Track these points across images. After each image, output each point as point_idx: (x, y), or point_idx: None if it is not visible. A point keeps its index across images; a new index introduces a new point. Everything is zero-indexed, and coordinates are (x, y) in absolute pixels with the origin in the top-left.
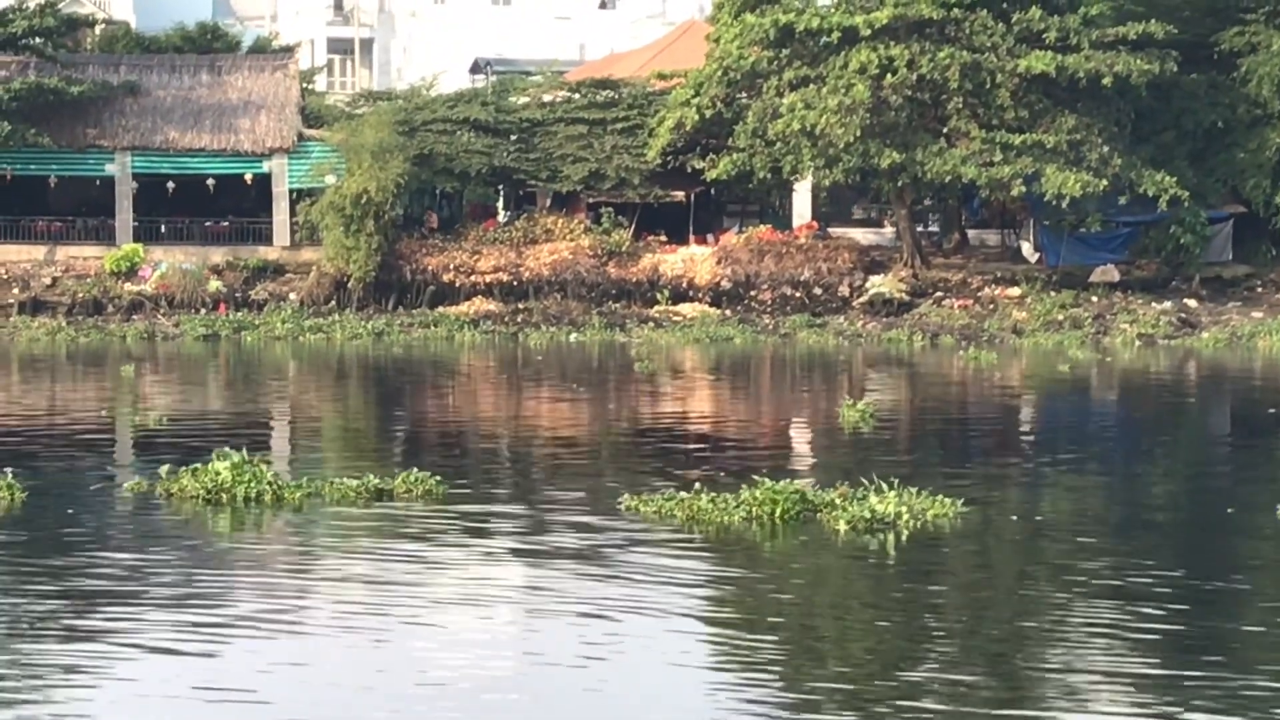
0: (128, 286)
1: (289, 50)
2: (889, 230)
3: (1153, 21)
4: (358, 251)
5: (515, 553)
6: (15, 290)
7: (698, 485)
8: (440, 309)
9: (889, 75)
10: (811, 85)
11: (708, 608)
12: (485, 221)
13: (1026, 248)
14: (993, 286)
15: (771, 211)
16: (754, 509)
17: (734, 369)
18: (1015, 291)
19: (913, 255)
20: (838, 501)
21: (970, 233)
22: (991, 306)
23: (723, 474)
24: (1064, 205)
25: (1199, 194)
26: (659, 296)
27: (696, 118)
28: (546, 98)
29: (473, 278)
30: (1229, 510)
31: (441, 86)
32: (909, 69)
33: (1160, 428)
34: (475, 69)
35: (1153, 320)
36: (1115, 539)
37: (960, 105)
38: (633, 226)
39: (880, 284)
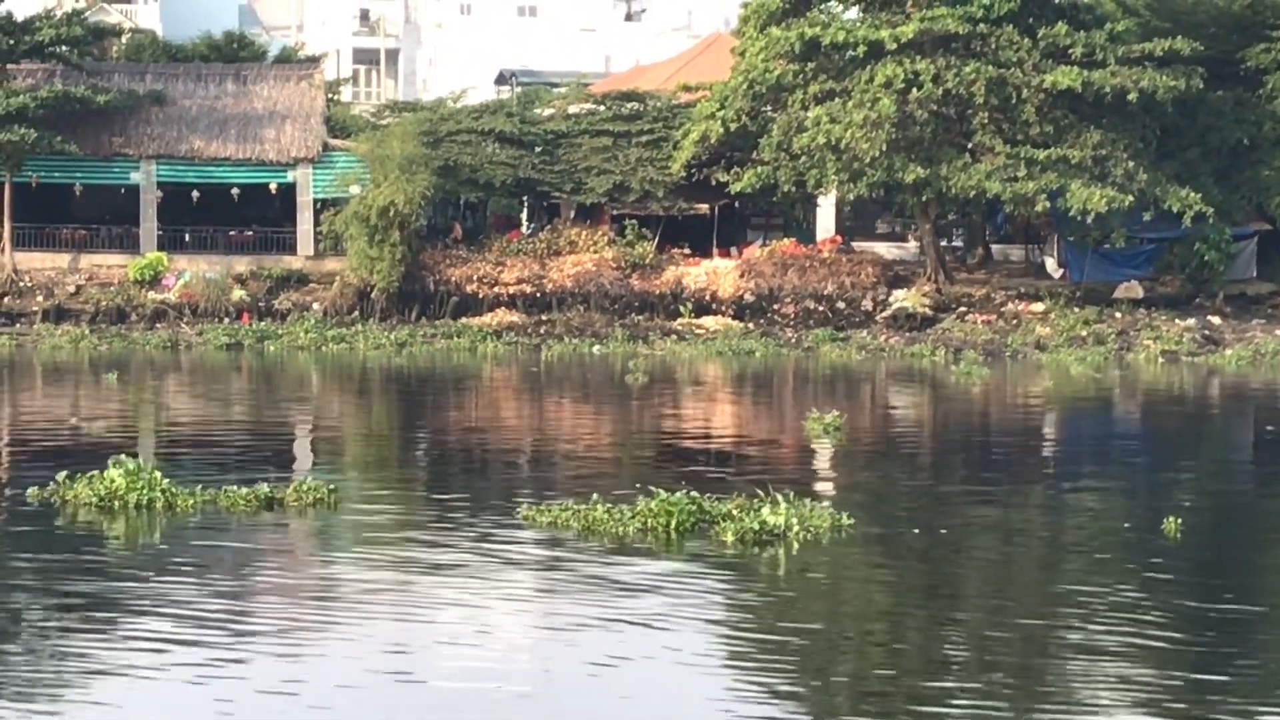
0: (151, 295)
1: (315, 60)
2: (913, 245)
3: (1179, 38)
4: (381, 262)
5: (383, 562)
6: (39, 298)
7: (595, 496)
8: (463, 320)
9: (914, 90)
10: (837, 99)
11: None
12: (509, 233)
13: (1050, 263)
14: (1016, 302)
15: (795, 225)
16: (649, 520)
17: (727, 382)
18: (1039, 307)
19: (936, 270)
20: (734, 513)
21: (994, 248)
22: (1015, 322)
23: (639, 485)
24: (1088, 221)
25: (1224, 211)
26: (682, 309)
27: (721, 130)
28: (571, 109)
29: (496, 289)
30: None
31: (468, 99)
32: (934, 83)
33: (1128, 449)
34: (501, 80)
35: (1176, 337)
36: (998, 560)
37: (985, 120)
38: (656, 239)
39: (904, 298)
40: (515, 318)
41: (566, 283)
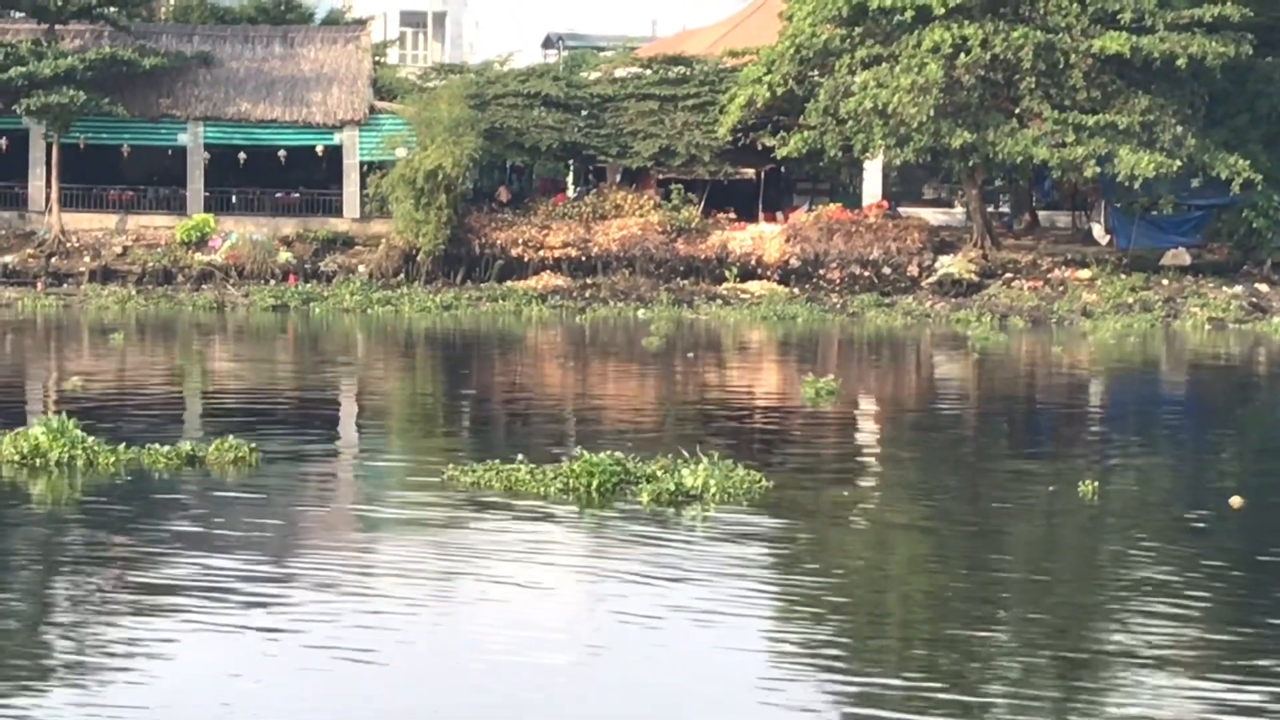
0: (198, 256)
1: (361, 23)
2: (959, 210)
3: (1228, 3)
4: (427, 225)
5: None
6: (86, 258)
7: (520, 456)
8: (508, 283)
9: (962, 54)
10: (884, 64)
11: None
12: (555, 196)
13: (1097, 230)
14: (1063, 268)
15: (842, 190)
16: (571, 480)
17: (746, 346)
18: (1085, 274)
19: (983, 236)
20: (659, 474)
21: (1041, 214)
22: (1061, 288)
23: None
24: (1136, 187)
25: (1272, 178)
26: (727, 274)
27: (768, 95)
28: (618, 73)
29: (541, 252)
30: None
31: (515, 63)
32: (982, 48)
33: (1093, 420)
34: (548, 44)
35: (1223, 304)
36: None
37: (1033, 85)
38: (702, 203)
39: (949, 264)
40: (560, 281)
41: (612, 247)
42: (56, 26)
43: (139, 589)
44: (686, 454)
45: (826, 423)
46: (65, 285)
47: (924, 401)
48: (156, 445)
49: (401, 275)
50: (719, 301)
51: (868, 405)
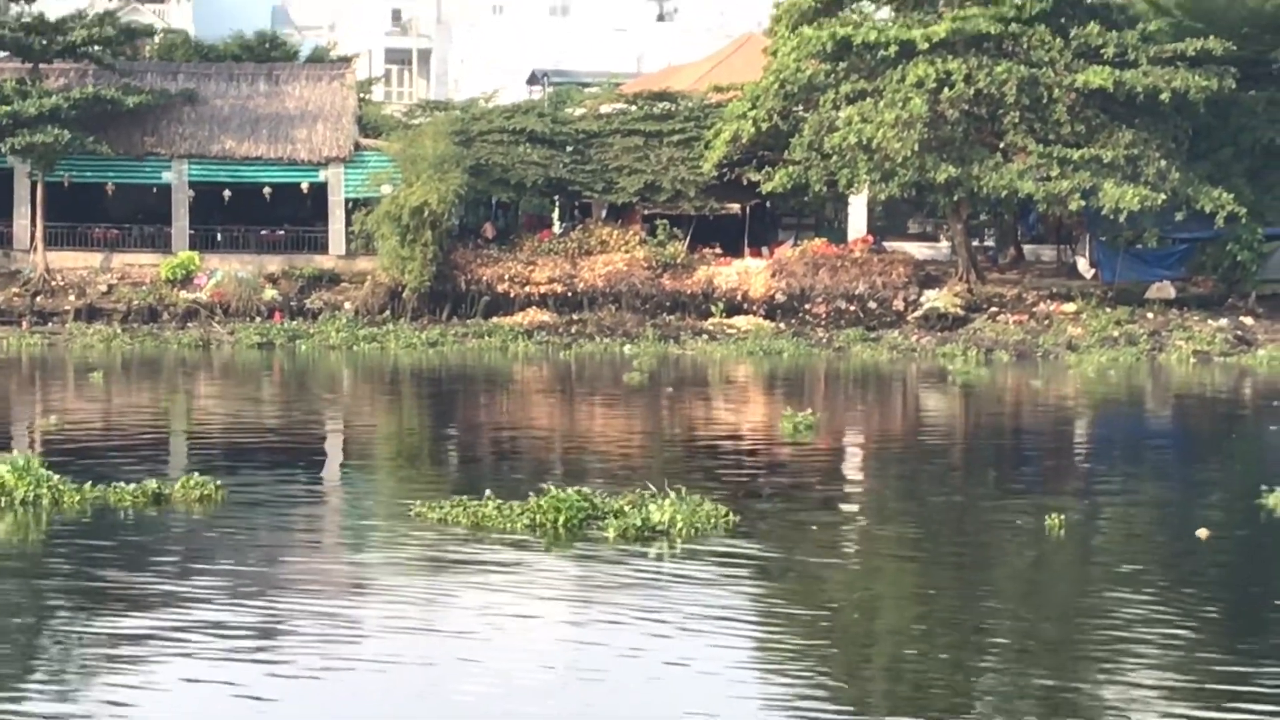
0: (183, 294)
1: (346, 60)
2: (944, 245)
3: (1211, 38)
4: (413, 261)
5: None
6: (72, 297)
7: (488, 493)
8: (494, 319)
9: (946, 89)
10: (868, 99)
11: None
12: (540, 232)
13: (1082, 264)
14: (1048, 302)
15: (827, 225)
16: (538, 516)
17: (727, 382)
18: (1070, 307)
19: (968, 270)
20: (626, 509)
21: (1026, 248)
22: (1047, 322)
23: (543, 482)
24: (1121, 221)
25: (1256, 211)
26: (713, 309)
27: (753, 130)
28: (603, 109)
29: (527, 288)
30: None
31: (500, 99)
32: (966, 83)
33: (1067, 453)
34: (533, 80)
35: (1208, 337)
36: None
37: (1017, 120)
38: (688, 239)
39: (935, 298)
40: (546, 317)
41: (598, 282)
42: (41, 65)
43: (99, 640)
44: (654, 489)
45: (803, 457)
46: (50, 324)
47: (901, 436)
48: (122, 484)
49: (387, 312)
50: (705, 337)
51: (846, 439)
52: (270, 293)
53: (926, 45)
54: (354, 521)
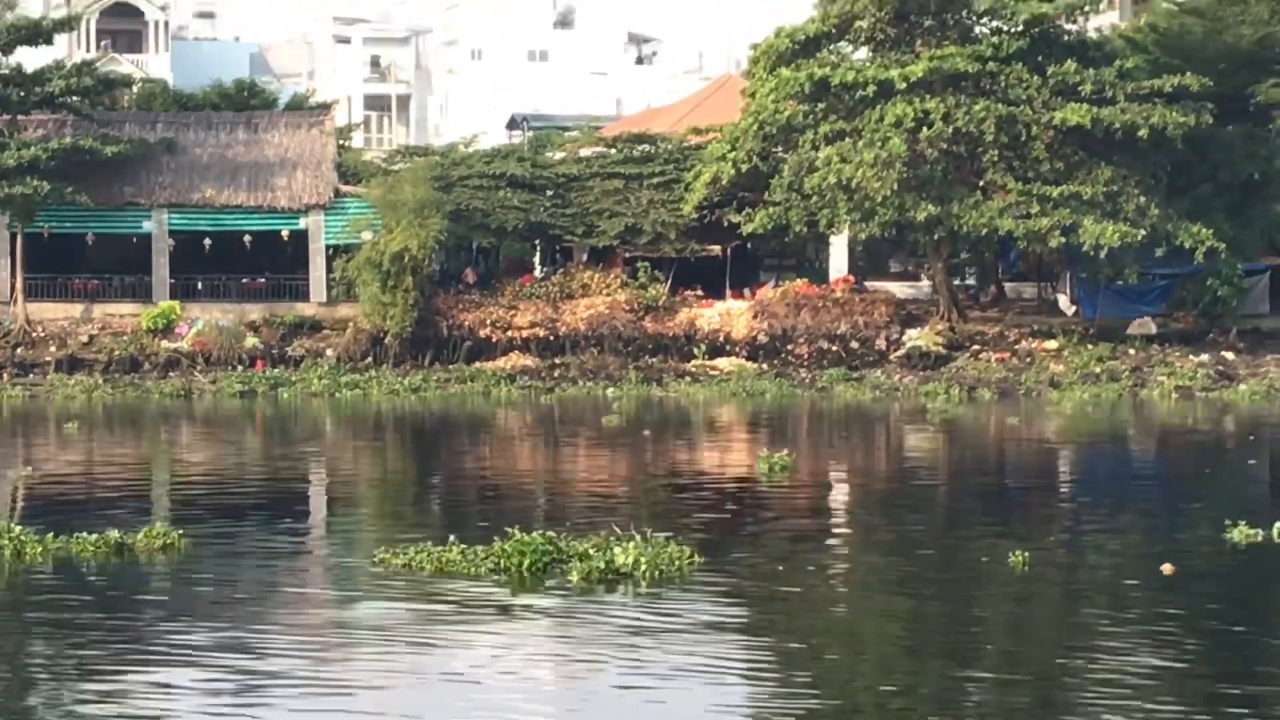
0: (164, 344)
1: (325, 107)
2: (925, 284)
3: (1188, 74)
4: (394, 307)
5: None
6: (52, 348)
7: (452, 538)
8: (477, 364)
9: (925, 128)
10: (847, 139)
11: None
12: (522, 277)
13: (1063, 301)
14: (1030, 339)
15: (808, 265)
16: (503, 560)
17: (710, 423)
18: (1052, 344)
19: (949, 308)
20: (591, 552)
21: (1007, 286)
22: (1029, 359)
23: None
24: (1101, 257)
25: (1236, 246)
26: (695, 351)
27: (732, 172)
28: (583, 153)
29: (509, 333)
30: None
31: (479, 144)
32: (945, 122)
33: (1040, 490)
34: (512, 125)
35: (1190, 373)
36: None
37: (996, 158)
38: (669, 281)
39: (917, 337)
40: (529, 361)
41: (580, 326)
42: (19, 117)
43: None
44: (619, 532)
45: (776, 497)
46: (31, 375)
47: (876, 474)
48: (84, 534)
49: (369, 358)
50: (688, 379)
51: (820, 479)
52: (252, 341)
53: (904, 85)
54: (316, 569)
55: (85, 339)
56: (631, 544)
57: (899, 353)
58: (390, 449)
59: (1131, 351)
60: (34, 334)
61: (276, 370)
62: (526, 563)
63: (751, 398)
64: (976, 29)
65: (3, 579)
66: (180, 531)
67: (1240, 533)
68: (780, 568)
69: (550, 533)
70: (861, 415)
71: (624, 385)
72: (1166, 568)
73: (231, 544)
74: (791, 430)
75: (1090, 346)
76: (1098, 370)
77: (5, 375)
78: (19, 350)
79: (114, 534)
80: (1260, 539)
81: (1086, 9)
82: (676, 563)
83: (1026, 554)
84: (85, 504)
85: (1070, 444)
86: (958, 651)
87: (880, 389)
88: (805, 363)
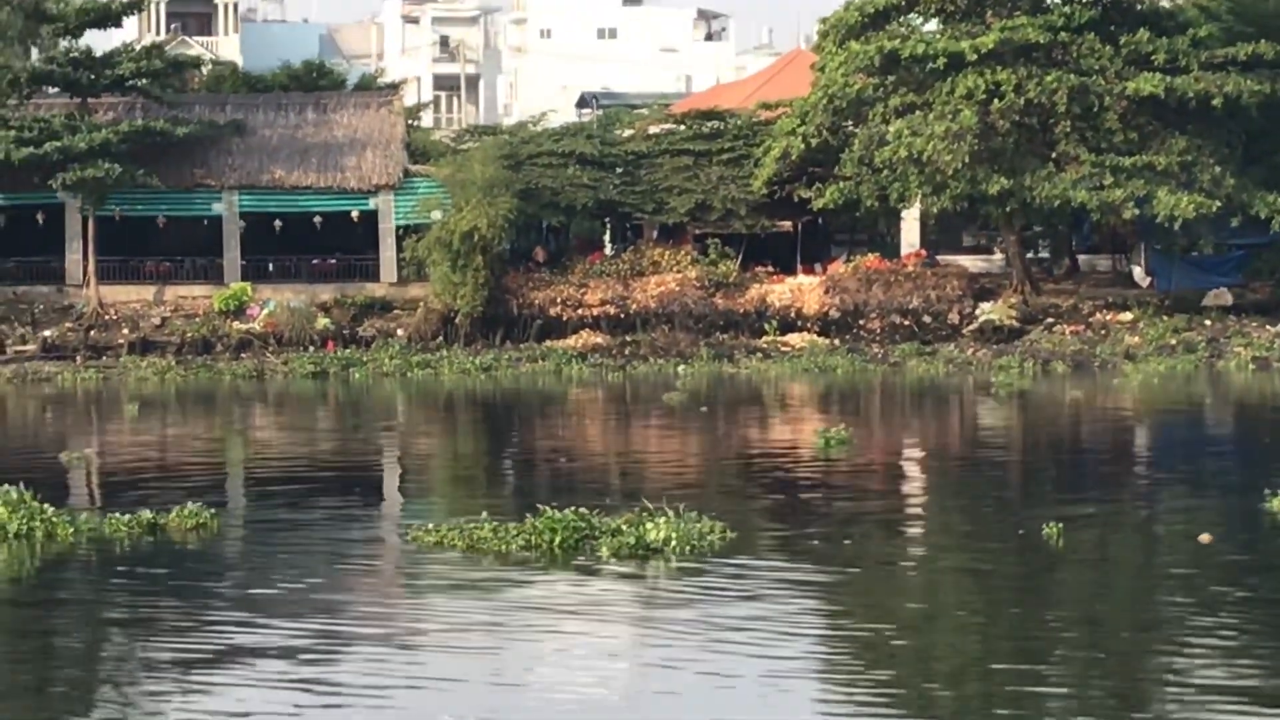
0: (236, 325)
1: (394, 87)
2: (998, 257)
3: (1263, 42)
4: (465, 287)
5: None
6: (125, 330)
7: (484, 514)
8: (548, 343)
9: (996, 100)
10: (918, 112)
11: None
12: (592, 254)
13: (1138, 272)
14: (1104, 312)
15: (879, 240)
16: (533, 537)
17: (772, 398)
18: (1127, 316)
19: (1022, 281)
20: (624, 528)
21: (1080, 258)
22: (1103, 332)
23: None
24: (1175, 228)
25: None
26: (766, 327)
27: (802, 146)
28: (652, 130)
29: (580, 311)
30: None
31: (548, 123)
32: (1016, 93)
33: (1102, 463)
34: (582, 104)
35: (1267, 343)
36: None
37: (1069, 129)
38: (740, 257)
39: (990, 311)
40: (600, 339)
41: (650, 303)
42: (89, 99)
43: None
44: (652, 506)
45: (829, 471)
46: (104, 358)
47: (932, 449)
48: (117, 515)
49: (440, 338)
50: (759, 355)
51: (876, 454)
52: (323, 321)
53: (975, 56)
54: (342, 546)
55: (158, 321)
56: (663, 520)
57: (972, 327)
58: (437, 426)
59: (1208, 323)
60: (107, 317)
61: (348, 351)
62: (557, 539)
63: (823, 373)
64: None
65: (34, 560)
66: (213, 511)
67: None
68: (816, 542)
69: (582, 509)
70: (927, 390)
71: (695, 362)
72: (1205, 537)
73: (275, 522)
74: (855, 405)
75: (1166, 318)
76: (1173, 342)
77: (79, 358)
78: (92, 333)
79: (146, 514)
80: None
81: None
82: (708, 538)
83: (1060, 526)
84: (133, 484)
85: (1128, 417)
86: (996, 626)
87: (953, 363)
88: (877, 338)
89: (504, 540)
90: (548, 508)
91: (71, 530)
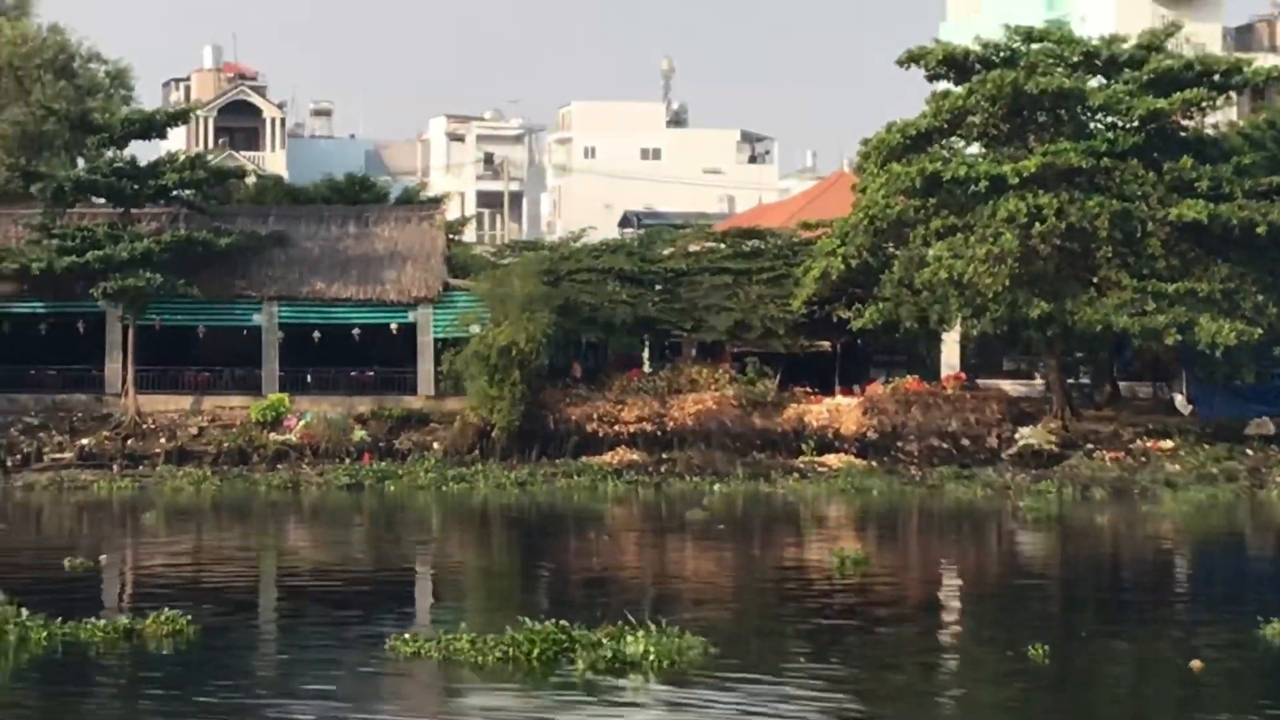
0: (273, 436)
1: (436, 201)
2: (1039, 382)
3: None
4: (502, 401)
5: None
6: (162, 440)
7: (462, 625)
8: (584, 459)
9: (1037, 224)
10: (959, 234)
11: None
12: (630, 371)
13: (1179, 400)
14: (1145, 439)
15: (919, 362)
16: (512, 649)
17: (803, 519)
18: (1168, 444)
19: (1063, 406)
20: (603, 641)
21: (1121, 384)
22: (1144, 459)
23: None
24: (1218, 355)
25: None
26: (804, 447)
27: (842, 267)
28: (692, 248)
29: (616, 427)
30: None
31: (589, 239)
32: (1058, 218)
33: (1121, 595)
34: (625, 223)
35: None
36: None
37: (1110, 254)
38: (778, 376)
39: (1029, 435)
40: (636, 456)
41: (687, 421)
42: (132, 209)
43: None
44: (633, 620)
45: (835, 591)
46: (141, 467)
47: (949, 572)
48: (93, 620)
49: (476, 451)
50: (795, 475)
51: (890, 576)
52: (360, 434)
53: (1017, 180)
54: (316, 655)
55: (195, 431)
56: (641, 633)
57: (1011, 451)
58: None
59: (1249, 452)
60: (144, 426)
61: (384, 463)
62: (535, 651)
63: (859, 494)
64: (1091, 125)
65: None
66: (189, 617)
67: (1273, 629)
68: (802, 659)
69: (562, 621)
70: (963, 514)
71: (731, 481)
72: (1196, 664)
73: (257, 630)
74: (883, 526)
75: (1207, 446)
76: (1214, 470)
77: (115, 467)
78: (129, 442)
79: (123, 620)
80: None
81: (1204, 105)
82: (686, 653)
83: (1045, 648)
84: (136, 591)
85: (1146, 544)
86: None
87: (991, 487)
88: (915, 460)
89: (481, 652)
90: (526, 620)
91: (44, 635)
